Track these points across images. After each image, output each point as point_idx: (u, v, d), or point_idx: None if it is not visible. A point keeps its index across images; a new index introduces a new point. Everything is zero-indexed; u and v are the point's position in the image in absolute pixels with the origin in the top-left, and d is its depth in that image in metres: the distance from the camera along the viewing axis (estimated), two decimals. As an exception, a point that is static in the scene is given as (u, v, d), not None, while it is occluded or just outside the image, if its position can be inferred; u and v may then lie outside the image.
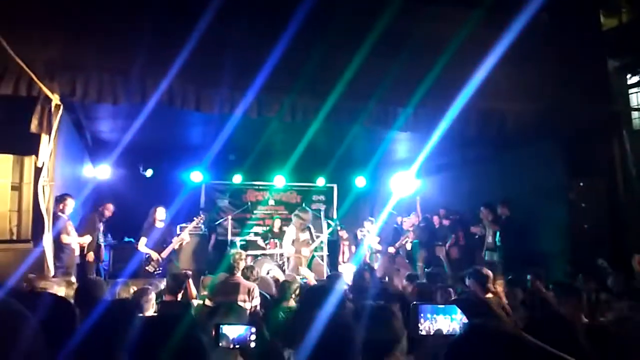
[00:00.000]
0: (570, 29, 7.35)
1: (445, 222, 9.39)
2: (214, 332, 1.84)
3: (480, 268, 4.86)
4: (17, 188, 5.65)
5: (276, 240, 9.68)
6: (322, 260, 10.06)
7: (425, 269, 8.36)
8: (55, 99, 5.37)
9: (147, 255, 7.28)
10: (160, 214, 7.52)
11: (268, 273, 7.43)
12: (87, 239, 6.88)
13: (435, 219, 9.57)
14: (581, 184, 7.28)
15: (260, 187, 11.99)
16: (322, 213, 10.97)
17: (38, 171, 5.41)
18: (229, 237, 10.25)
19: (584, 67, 7.22)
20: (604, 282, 5.53)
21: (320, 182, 11.90)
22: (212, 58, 5.71)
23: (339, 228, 10.63)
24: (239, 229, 11.06)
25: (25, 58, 5.10)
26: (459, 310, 1.53)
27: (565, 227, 7.29)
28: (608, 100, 7.51)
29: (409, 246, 9.77)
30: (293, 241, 8.68)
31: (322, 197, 12.42)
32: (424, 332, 1.59)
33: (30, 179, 5.58)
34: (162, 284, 5.27)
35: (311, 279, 6.32)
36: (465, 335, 1.37)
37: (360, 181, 11.78)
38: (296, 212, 9.00)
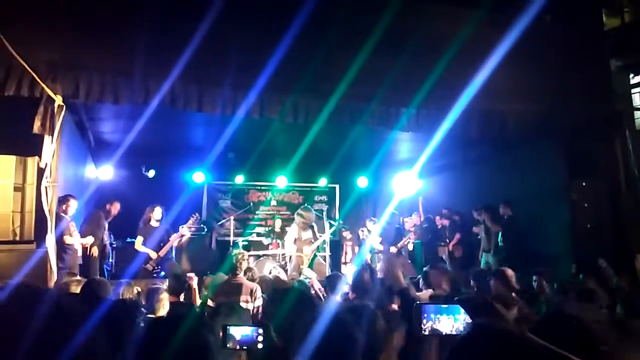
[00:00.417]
0: (572, 29, 7.35)
1: (445, 222, 9.41)
2: (221, 333, 1.84)
3: (504, 268, 4.86)
4: (20, 189, 5.65)
5: (278, 241, 9.68)
6: (325, 260, 10.06)
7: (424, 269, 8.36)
8: (58, 100, 5.38)
9: (147, 255, 7.32)
10: (157, 214, 7.54)
11: (270, 273, 7.44)
12: (89, 240, 6.89)
13: (437, 219, 9.58)
14: (583, 184, 7.27)
15: (263, 188, 11.99)
16: (324, 213, 10.97)
17: (41, 172, 5.42)
18: (232, 238, 10.26)
19: (586, 67, 7.21)
20: (606, 282, 5.52)
21: (323, 182, 11.89)
22: (214, 58, 5.72)
23: (343, 229, 10.61)
24: (241, 230, 11.06)
25: (27, 59, 5.12)
26: (462, 310, 1.53)
27: (568, 227, 7.28)
28: (610, 100, 7.50)
29: (411, 246, 9.77)
30: (295, 240, 8.67)
31: (324, 198, 12.41)
32: (426, 332, 1.59)
33: (33, 180, 5.59)
34: (164, 285, 5.28)
35: (314, 280, 6.31)
36: (469, 336, 1.37)
37: (362, 181, 11.76)
38: (299, 210, 8.99)
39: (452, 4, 6.71)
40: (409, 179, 10.14)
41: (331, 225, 10.23)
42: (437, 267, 5.65)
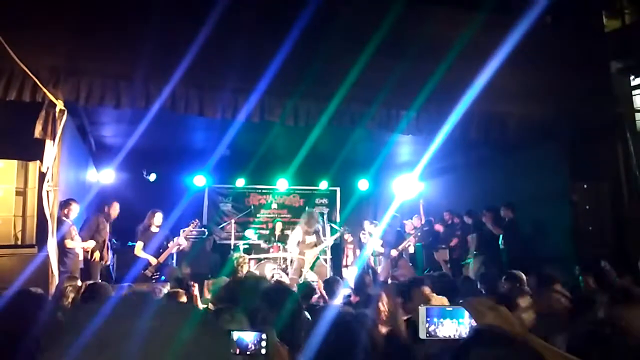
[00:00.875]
0: (572, 31, 7.36)
1: (439, 227, 9.45)
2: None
3: (516, 272, 4.84)
4: (21, 193, 5.65)
5: (279, 244, 9.67)
6: (326, 262, 10.06)
7: (425, 272, 8.38)
8: (60, 104, 5.40)
9: (146, 260, 7.29)
10: (157, 219, 7.51)
11: (273, 277, 7.43)
12: (91, 244, 6.88)
13: (437, 226, 9.59)
14: (585, 186, 7.26)
15: (263, 191, 11.99)
16: (325, 216, 10.97)
17: (42, 176, 5.43)
18: (232, 241, 10.25)
19: (587, 69, 7.22)
20: (609, 284, 5.50)
21: (323, 185, 11.89)
22: (215, 62, 5.73)
23: (345, 233, 10.59)
24: (242, 233, 11.06)
25: (29, 64, 5.14)
26: (467, 314, 1.53)
27: (569, 230, 7.27)
28: (611, 102, 7.51)
29: (411, 249, 9.76)
30: (298, 242, 8.68)
31: (325, 201, 12.41)
32: (429, 336, 1.58)
33: (35, 184, 5.59)
34: (165, 289, 5.27)
35: (320, 282, 6.31)
36: (471, 340, 1.37)
37: (363, 184, 11.76)
38: (305, 214, 8.98)
39: (452, 7, 6.73)
40: (409, 181, 10.14)
41: (333, 230, 10.23)
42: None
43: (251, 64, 5.73)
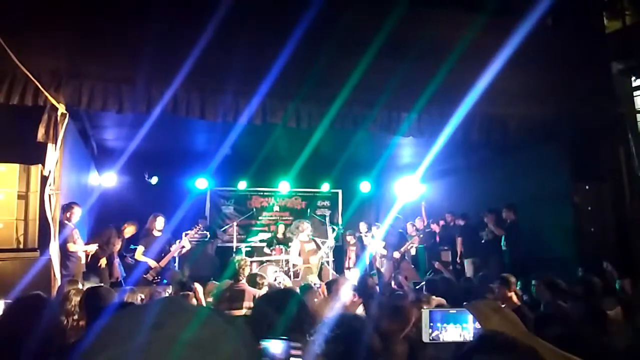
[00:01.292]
0: (573, 32, 7.35)
1: (435, 228, 9.48)
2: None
3: (508, 275, 4.92)
4: (23, 197, 5.65)
5: (281, 247, 9.67)
6: (329, 264, 10.07)
7: (427, 274, 8.40)
8: (61, 108, 5.40)
9: (147, 264, 7.28)
10: (159, 224, 7.50)
11: (275, 280, 7.43)
12: (93, 247, 6.88)
13: (434, 226, 9.61)
14: (586, 187, 7.25)
15: (265, 194, 11.99)
16: (327, 219, 10.97)
17: (44, 180, 5.43)
18: (234, 244, 10.25)
19: (588, 70, 7.21)
20: (610, 285, 5.49)
21: (325, 187, 11.89)
22: (216, 65, 5.73)
23: (348, 233, 10.58)
24: (244, 235, 11.06)
25: (31, 68, 5.15)
26: (470, 317, 1.52)
27: (571, 231, 7.25)
28: (612, 102, 7.49)
29: (413, 251, 9.75)
30: (300, 252, 8.74)
31: (327, 203, 12.41)
32: (433, 341, 1.57)
33: (37, 187, 5.59)
34: (167, 292, 5.27)
35: (324, 286, 6.30)
36: (474, 346, 1.36)
37: (365, 186, 11.76)
38: (294, 225, 9.12)
39: (453, 9, 6.73)
40: (411, 183, 10.13)
41: (333, 230, 10.24)
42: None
43: (253, 66, 5.73)
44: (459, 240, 8.81)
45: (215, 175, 10.42)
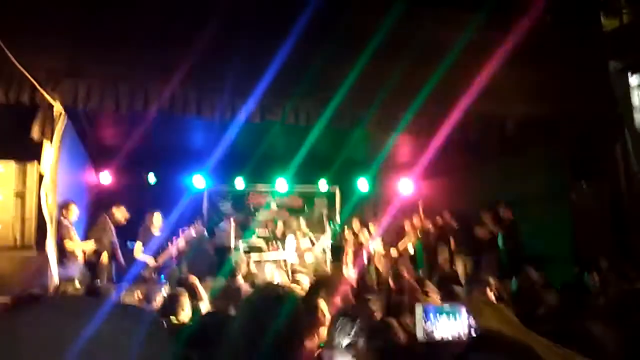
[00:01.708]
0: (571, 31, 7.35)
1: (430, 226, 9.50)
2: None
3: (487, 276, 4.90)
4: (20, 195, 5.65)
5: (278, 244, 9.68)
6: (326, 263, 10.06)
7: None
8: (58, 107, 5.39)
9: (144, 261, 7.27)
10: (157, 220, 7.50)
11: (272, 278, 7.42)
12: (90, 245, 6.87)
13: (431, 224, 9.62)
14: (584, 186, 7.27)
15: (263, 191, 11.98)
16: (325, 216, 10.97)
17: (41, 178, 5.42)
18: (232, 242, 10.24)
19: (585, 69, 7.21)
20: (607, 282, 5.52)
21: (323, 185, 11.88)
22: (213, 64, 5.72)
23: (344, 231, 10.59)
24: (242, 233, 11.05)
25: (27, 66, 5.13)
26: (464, 312, 1.52)
27: (569, 230, 7.27)
28: (611, 101, 7.50)
29: (411, 249, 9.75)
30: (295, 249, 8.77)
31: (324, 201, 12.41)
32: (422, 336, 1.57)
33: (33, 186, 5.59)
34: (164, 290, 5.27)
35: (303, 284, 6.27)
36: (470, 345, 1.36)
37: (362, 184, 11.76)
38: (290, 222, 9.15)
39: (451, 9, 6.72)
40: (409, 181, 10.13)
41: (331, 228, 10.26)
42: None
43: (250, 65, 5.71)
44: (453, 239, 8.78)
45: (213, 173, 10.41)
